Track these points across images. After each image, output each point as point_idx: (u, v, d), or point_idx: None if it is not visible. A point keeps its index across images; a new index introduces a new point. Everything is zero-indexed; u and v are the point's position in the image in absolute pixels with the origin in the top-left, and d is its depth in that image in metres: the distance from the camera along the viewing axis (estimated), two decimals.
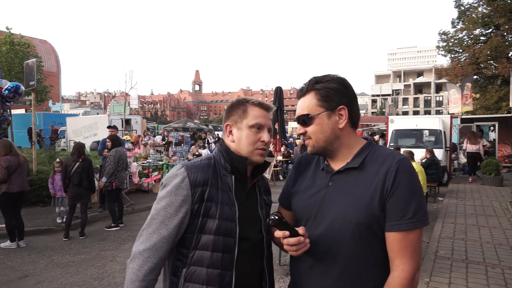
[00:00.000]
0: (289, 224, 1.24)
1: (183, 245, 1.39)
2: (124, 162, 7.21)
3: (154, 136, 22.41)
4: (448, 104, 22.44)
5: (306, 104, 1.37)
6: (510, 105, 17.86)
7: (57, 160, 7.29)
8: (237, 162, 1.44)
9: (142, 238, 1.36)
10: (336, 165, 1.39)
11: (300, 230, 1.25)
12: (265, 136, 1.47)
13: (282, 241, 1.25)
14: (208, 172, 1.41)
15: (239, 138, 1.47)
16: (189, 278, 1.35)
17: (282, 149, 14.29)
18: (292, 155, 14.79)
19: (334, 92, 1.35)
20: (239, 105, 1.50)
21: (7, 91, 7.63)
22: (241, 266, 1.38)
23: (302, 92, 1.40)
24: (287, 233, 1.23)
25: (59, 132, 21.92)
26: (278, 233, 1.24)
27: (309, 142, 1.39)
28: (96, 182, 7.43)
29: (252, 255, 1.43)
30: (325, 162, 1.43)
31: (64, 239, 6.20)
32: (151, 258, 1.32)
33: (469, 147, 12.69)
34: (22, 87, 8.10)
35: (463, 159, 13.92)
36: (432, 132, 12.86)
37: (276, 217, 1.21)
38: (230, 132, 1.50)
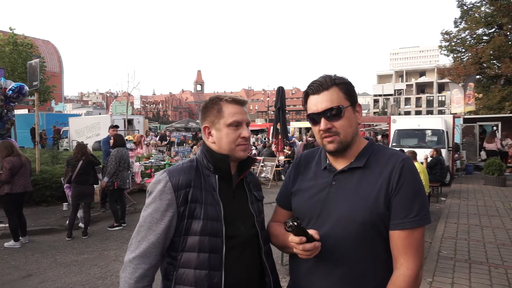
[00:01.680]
0: (305, 230, 1.23)
1: (172, 249, 1.40)
2: (126, 162, 7.21)
3: (157, 136, 22.52)
4: (450, 104, 22.37)
5: (334, 97, 1.32)
6: None
7: None
8: (220, 161, 1.44)
9: (132, 247, 1.37)
10: (339, 165, 1.39)
11: (315, 234, 1.24)
12: (244, 131, 1.46)
13: (296, 246, 1.23)
14: (190, 174, 1.42)
15: (219, 138, 1.46)
16: (179, 280, 1.36)
17: (287, 149, 14.25)
18: (295, 155, 14.78)
19: (352, 88, 1.38)
20: (213, 105, 1.48)
21: (11, 92, 7.66)
22: (233, 265, 1.37)
23: (324, 87, 1.33)
24: (304, 239, 1.21)
25: (61, 132, 22.01)
26: (294, 239, 1.22)
27: (335, 138, 1.33)
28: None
29: (245, 252, 1.41)
30: (327, 161, 1.42)
31: (67, 239, 6.22)
32: (141, 265, 1.33)
33: (487, 146, 14.83)
34: (26, 88, 8.12)
35: (484, 156, 15.29)
36: (435, 132, 12.84)
37: (295, 223, 1.19)
38: (209, 133, 1.49)
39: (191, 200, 1.38)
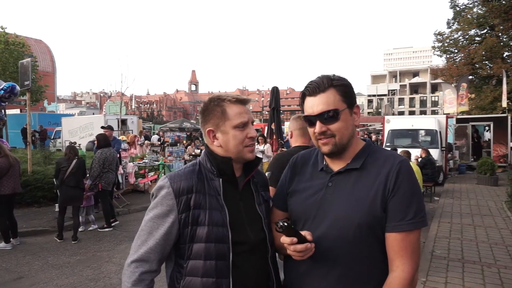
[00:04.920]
0: (297, 230, 1.21)
1: (179, 256, 1.37)
2: (112, 163, 6.96)
3: (146, 138, 21.74)
4: (443, 104, 22.57)
5: (331, 100, 1.30)
6: (503, 105, 18.03)
7: None
8: (222, 163, 1.40)
9: (132, 250, 1.36)
10: (336, 166, 1.38)
11: (308, 235, 1.22)
12: (251, 131, 1.41)
13: (288, 247, 1.22)
14: (192, 179, 1.38)
15: (226, 141, 1.40)
16: None
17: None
18: None
19: (350, 90, 1.35)
20: (215, 106, 1.42)
21: (2, 91, 7.57)
22: (241, 271, 1.33)
23: (320, 89, 1.30)
24: (295, 239, 1.20)
25: (54, 132, 21.81)
26: (285, 240, 1.21)
27: (330, 140, 1.32)
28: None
29: (253, 257, 1.37)
30: (324, 163, 1.41)
31: (59, 241, 6.14)
32: (139, 269, 1.32)
33: None
34: (18, 87, 8.03)
35: None
36: (428, 132, 12.96)
37: (285, 224, 1.17)
38: (214, 137, 1.43)
39: (194, 206, 1.34)
